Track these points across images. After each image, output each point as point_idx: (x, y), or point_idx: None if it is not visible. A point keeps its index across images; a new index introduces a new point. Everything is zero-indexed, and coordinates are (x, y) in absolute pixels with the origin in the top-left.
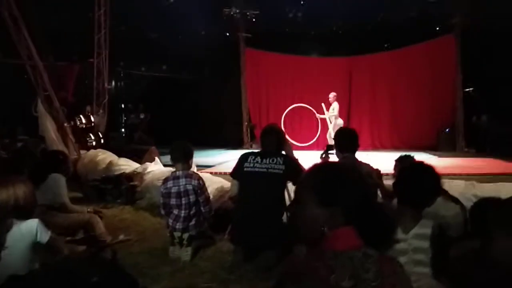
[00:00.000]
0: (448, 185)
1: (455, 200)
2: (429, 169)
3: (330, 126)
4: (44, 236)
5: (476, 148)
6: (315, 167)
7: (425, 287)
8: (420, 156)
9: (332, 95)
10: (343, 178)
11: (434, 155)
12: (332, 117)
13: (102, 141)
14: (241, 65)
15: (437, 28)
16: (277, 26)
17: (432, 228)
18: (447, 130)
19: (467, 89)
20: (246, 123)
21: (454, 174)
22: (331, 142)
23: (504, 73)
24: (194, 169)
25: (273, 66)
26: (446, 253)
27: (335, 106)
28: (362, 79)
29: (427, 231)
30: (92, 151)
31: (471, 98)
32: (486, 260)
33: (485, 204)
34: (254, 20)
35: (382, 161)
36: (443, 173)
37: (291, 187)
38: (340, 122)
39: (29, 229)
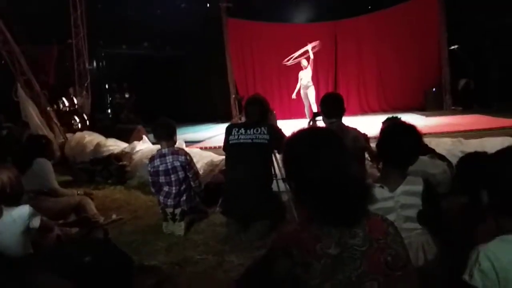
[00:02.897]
0: (435, 143)
1: (442, 157)
2: (409, 128)
3: (311, 95)
4: (36, 221)
5: (463, 105)
6: (288, 139)
7: (416, 242)
8: (407, 117)
9: (306, 62)
10: (303, 153)
11: (422, 115)
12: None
13: (87, 123)
14: (224, 36)
15: None
16: None
17: (424, 183)
18: (433, 89)
19: (452, 47)
20: (233, 96)
21: (442, 133)
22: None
23: (491, 25)
24: (182, 145)
25: (257, 35)
26: (435, 208)
27: (309, 73)
28: (347, 43)
29: (414, 187)
30: (78, 134)
31: (457, 55)
32: (474, 214)
33: (471, 159)
34: None
35: (371, 124)
36: (431, 132)
37: (279, 156)
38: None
39: (21, 215)
